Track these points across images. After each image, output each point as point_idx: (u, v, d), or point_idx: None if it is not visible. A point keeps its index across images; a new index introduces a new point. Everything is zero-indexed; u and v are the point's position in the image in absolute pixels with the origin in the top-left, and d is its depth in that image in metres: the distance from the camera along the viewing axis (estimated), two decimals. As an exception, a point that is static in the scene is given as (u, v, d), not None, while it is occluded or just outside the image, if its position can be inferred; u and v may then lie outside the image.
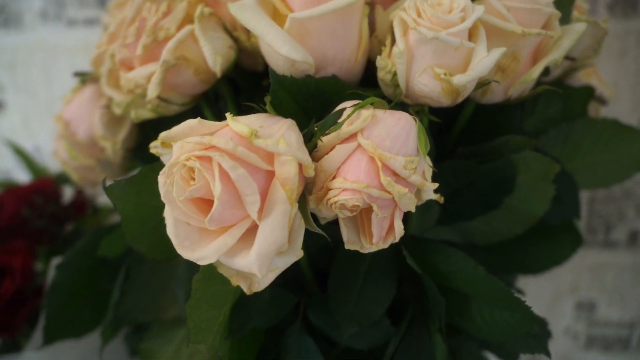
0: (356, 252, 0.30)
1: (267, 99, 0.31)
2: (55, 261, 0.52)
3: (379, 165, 0.27)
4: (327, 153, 0.29)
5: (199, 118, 0.29)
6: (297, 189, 0.27)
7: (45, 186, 0.68)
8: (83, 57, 0.94)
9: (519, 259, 0.43)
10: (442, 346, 0.36)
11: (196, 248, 0.27)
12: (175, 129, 0.29)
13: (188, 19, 0.34)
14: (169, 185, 0.27)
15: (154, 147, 0.30)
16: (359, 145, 0.28)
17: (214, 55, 0.33)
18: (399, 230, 0.29)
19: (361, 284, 0.38)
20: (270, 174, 0.27)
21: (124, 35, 0.35)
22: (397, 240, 0.30)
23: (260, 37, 0.32)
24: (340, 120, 0.29)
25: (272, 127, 0.29)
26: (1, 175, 1.05)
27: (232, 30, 0.37)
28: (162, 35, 0.33)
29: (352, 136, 0.29)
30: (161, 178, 0.28)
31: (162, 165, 0.34)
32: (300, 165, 0.27)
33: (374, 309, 0.37)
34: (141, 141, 0.49)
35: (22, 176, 1.04)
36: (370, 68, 0.38)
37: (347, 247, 0.30)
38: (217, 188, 0.25)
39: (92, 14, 0.93)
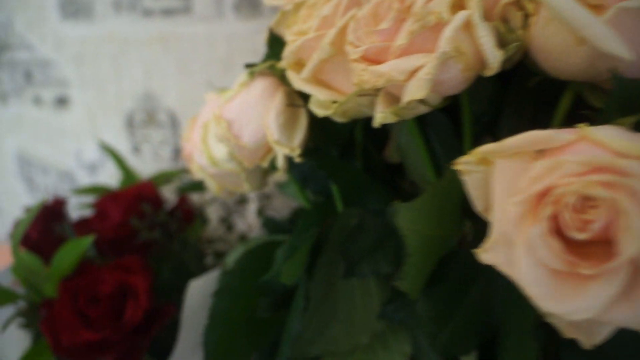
0: None
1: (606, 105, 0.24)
2: (195, 283, 0.45)
3: None
4: None
5: (550, 130, 0.22)
6: None
7: (149, 192, 0.60)
8: (158, 50, 0.87)
9: None
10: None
11: (565, 299, 0.20)
12: (511, 142, 0.22)
13: (457, 4, 0.27)
14: (543, 219, 0.20)
15: (465, 163, 0.23)
16: None
17: (494, 48, 0.26)
18: None
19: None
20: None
21: (371, 20, 0.28)
22: None
23: (576, 29, 0.25)
24: None
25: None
26: (66, 178, 0.98)
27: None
28: (433, 21, 0.25)
29: None
30: (515, 208, 0.20)
31: (449, 187, 0.27)
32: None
33: None
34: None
35: (85, 179, 0.97)
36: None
37: None
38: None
39: (171, 4, 0.86)
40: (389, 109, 0.29)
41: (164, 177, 0.65)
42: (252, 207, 0.90)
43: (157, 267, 0.60)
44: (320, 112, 0.33)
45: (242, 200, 0.63)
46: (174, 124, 0.91)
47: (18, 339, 0.57)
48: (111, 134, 0.93)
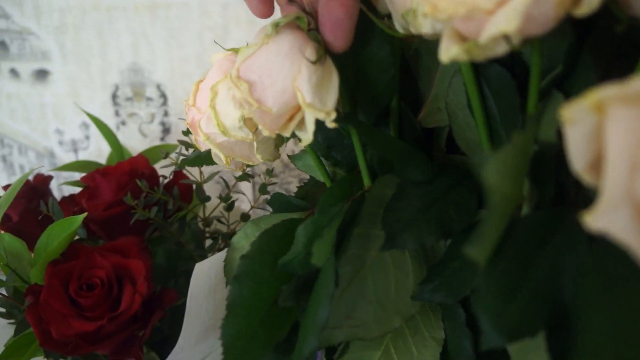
0: None
1: None
2: (201, 267, 0.40)
3: None
4: None
5: None
6: None
7: (143, 167, 0.55)
8: (146, 19, 0.81)
9: None
10: None
11: None
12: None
13: None
14: None
15: (575, 110, 0.19)
16: None
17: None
18: None
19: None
20: None
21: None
22: None
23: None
24: None
25: None
26: (45, 157, 0.91)
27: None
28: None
29: None
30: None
31: (527, 142, 0.22)
32: None
33: None
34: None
35: (67, 156, 0.91)
36: None
37: None
38: None
39: (160, -33, 0.80)
40: (463, 45, 0.24)
41: (159, 152, 0.59)
42: (248, 186, 0.84)
43: (152, 250, 0.54)
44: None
45: (242, 177, 0.58)
46: (163, 99, 0.86)
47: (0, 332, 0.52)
48: (95, 110, 0.87)
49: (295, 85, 0.33)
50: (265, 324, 0.36)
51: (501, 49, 0.25)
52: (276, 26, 0.33)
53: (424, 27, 0.27)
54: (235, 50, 0.39)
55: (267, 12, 0.34)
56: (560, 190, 0.31)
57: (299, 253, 0.36)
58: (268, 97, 0.33)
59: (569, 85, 0.30)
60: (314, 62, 0.33)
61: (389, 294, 0.36)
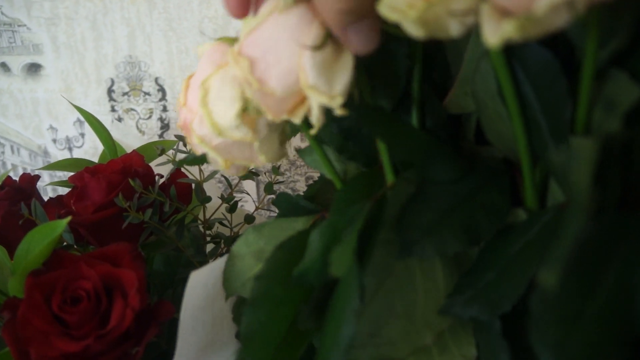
0: None
1: None
2: (196, 276, 0.35)
3: None
4: None
5: None
6: None
7: (138, 165, 0.50)
8: (143, 8, 0.76)
9: None
10: None
11: None
12: None
13: None
14: None
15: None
16: None
17: None
18: None
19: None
20: None
21: None
22: None
23: None
24: None
25: None
26: (38, 156, 0.87)
27: None
28: None
29: None
30: None
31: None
32: None
33: None
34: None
35: (62, 154, 0.86)
36: None
37: None
38: None
39: (157, -47, 0.75)
40: (514, 21, 0.19)
41: (154, 149, 0.54)
42: (252, 184, 0.80)
43: (147, 256, 0.50)
44: (393, 15, 0.23)
45: (246, 176, 0.53)
46: (162, 93, 0.81)
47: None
48: (90, 106, 0.83)
49: (299, 64, 0.28)
50: (282, 348, 0.32)
51: (562, 20, 0.20)
52: None
53: (453, 28, 0.23)
54: (226, 40, 0.34)
55: (243, 13, 0.31)
56: (627, 190, 0.26)
57: (315, 261, 0.32)
58: (271, 76, 0.29)
59: (634, 62, 0.25)
60: (317, 47, 0.28)
61: (418, 306, 0.31)
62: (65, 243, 0.46)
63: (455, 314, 0.30)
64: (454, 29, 0.23)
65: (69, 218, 0.38)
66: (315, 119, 0.29)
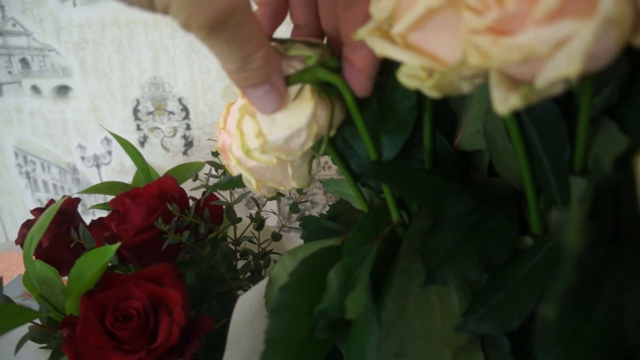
0: None
1: None
2: (243, 300, 0.39)
3: None
4: None
5: None
6: None
7: (173, 190, 0.54)
8: (166, 32, 0.80)
9: None
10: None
11: None
12: None
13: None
14: None
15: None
16: None
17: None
18: None
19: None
20: None
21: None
22: None
23: None
24: None
25: None
26: (67, 173, 0.91)
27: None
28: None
29: None
30: None
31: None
32: None
33: None
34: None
35: (90, 171, 0.91)
36: None
37: None
38: None
39: (179, -19, 0.79)
40: (520, 91, 0.23)
41: (185, 171, 0.58)
42: (270, 203, 0.84)
43: (182, 272, 0.54)
44: (411, 83, 0.27)
45: (273, 197, 0.57)
46: (185, 112, 0.85)
47: (33, 357, 0.52)
48: (116, 125, 0.87)
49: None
50: (302, 355, 0.36)
51: (558, 89, 0.23)
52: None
53: (464, 88, 0.26)
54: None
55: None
56: (618, 224, 0.30)
57: (333, 299, 0.36)
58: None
59: (622, 113, 0.28)
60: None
61: (435, 326, 0.35)
62: (110, 264, 0.50)
63: (469, 331, 0.34)
64: (465, 88, 0.27)
65: (118, 244, 0.42)
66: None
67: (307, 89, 0.34)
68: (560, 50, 0.21)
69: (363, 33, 0.28)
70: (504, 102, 0.23)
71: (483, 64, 0.23)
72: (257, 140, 0.34)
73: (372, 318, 0.32)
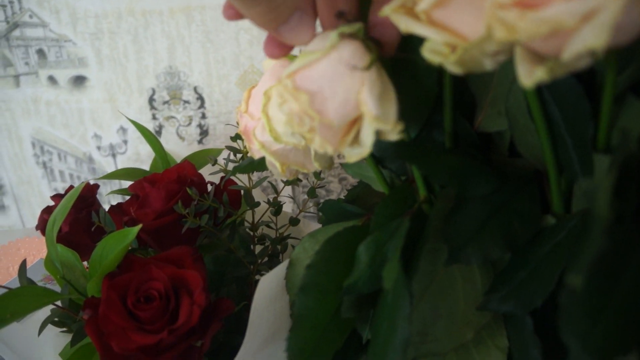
0: None
1: None
2: (264, 281, 0.39)
3: None
4: None
5: None
6: None
7: (192, 175, 0.55)
8: (182, 22, 0.81)
9: None
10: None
11: None
12: None
13: None
14: None
15: None
16: None
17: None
18: None
19: None
20: None
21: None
22: None
23: None
24: None
25: None
26: (84, 162, 0.92)
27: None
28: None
29: None
30: None
31: None
32: None
33: None
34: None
35: (106, 161, 0.92)
36: None
37: None
38: None
39: (194, -30, 0.79)
40: (545, 64, 0.23)
41: (203, 157, 0.59)
42: (288, 187, 0.84)
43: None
44: (434, 58, 0.27)
45: (291, 181, 0.57)
46: (200, 101, 0.85)
47: (54, 340, 0.52)
48: (132, 115, 0.88)
49: (359, 98, 0.32)
50: (327, 335, 0.36)
51: (584, 63, 0.23)
52: (340, 35, 0.33)
53: (487, 65, 0.26)
54: (290, 57, 0.38)
55: (282, 55, 0.34)
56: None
57: (363, 273, 0.36)
58: (329, 109, 0.32)
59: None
60: (367, 69, 0.32)
61: (459, 306, 0.35)
62: (130, 247, 0.50)
63: (492, 309, 0.34)
64: (488, 65, 0.27)
65: (139, 226, 0.43)
66: (369, 145, 0.32)
67: None
68: (588, 22, 0.21)
69: (388, 10, 0.28)
70: (530, 75, 0.23)
71: (509, 37, 0.23)
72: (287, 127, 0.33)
73: (403, 291, 0.32)
